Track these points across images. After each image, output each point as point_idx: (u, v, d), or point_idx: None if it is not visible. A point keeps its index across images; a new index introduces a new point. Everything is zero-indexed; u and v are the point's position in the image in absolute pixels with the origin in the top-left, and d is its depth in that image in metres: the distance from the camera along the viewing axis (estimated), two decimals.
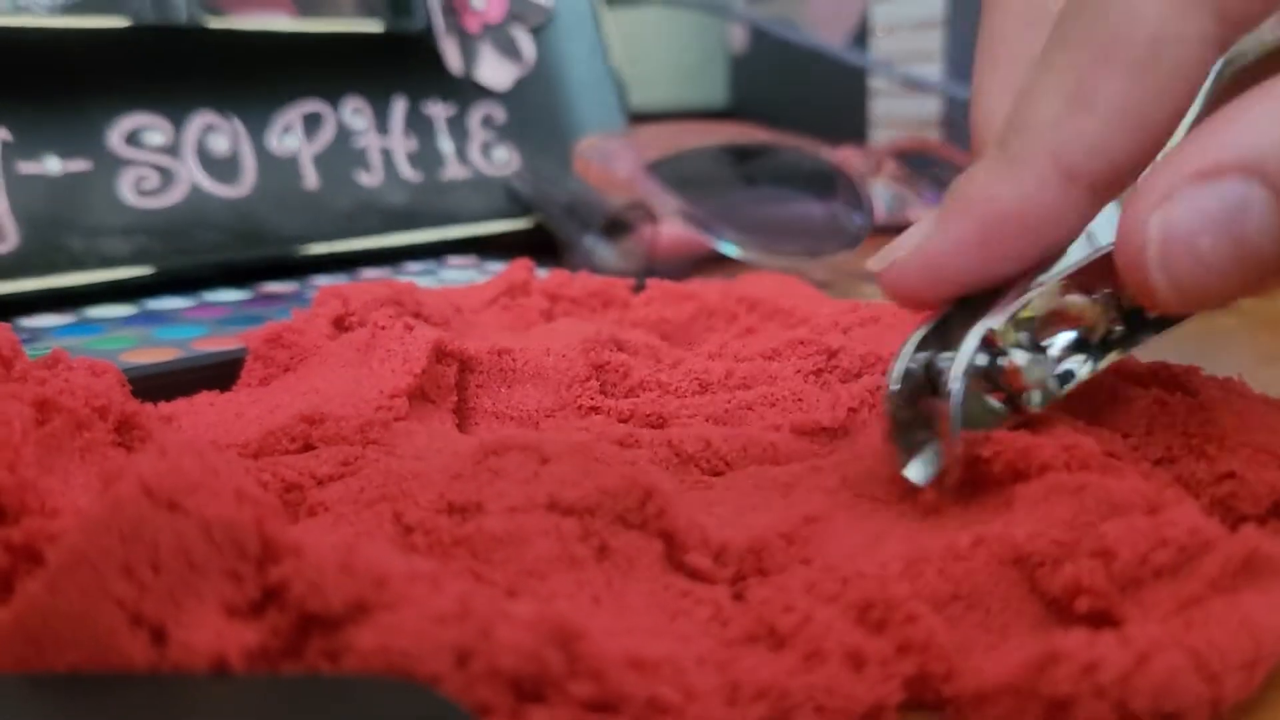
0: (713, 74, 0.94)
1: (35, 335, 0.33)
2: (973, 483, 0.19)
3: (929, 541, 0.17)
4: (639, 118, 0.57)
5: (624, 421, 0.24)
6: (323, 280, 0.42)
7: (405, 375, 0.24)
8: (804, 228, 0.49)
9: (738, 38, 0.85)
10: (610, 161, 0.47)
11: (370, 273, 0.43)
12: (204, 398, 0.26)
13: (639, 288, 0.33)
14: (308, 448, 0.22)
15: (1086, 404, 0.21)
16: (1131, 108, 0.17)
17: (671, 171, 0.47)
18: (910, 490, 0.19)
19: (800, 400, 0.24)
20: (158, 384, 0.27)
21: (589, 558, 0.16)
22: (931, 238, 0.19)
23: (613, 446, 0.21)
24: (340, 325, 0.28)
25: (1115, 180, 0.18)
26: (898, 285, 0.19)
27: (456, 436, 0.23)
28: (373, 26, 0.47)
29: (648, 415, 0.24)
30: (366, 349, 0.26)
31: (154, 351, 0.30)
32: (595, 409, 0.24)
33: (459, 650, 0.13)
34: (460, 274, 0.43)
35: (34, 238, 0.37)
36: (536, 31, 0.54)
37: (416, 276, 0.43)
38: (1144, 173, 0.17)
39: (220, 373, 0.28)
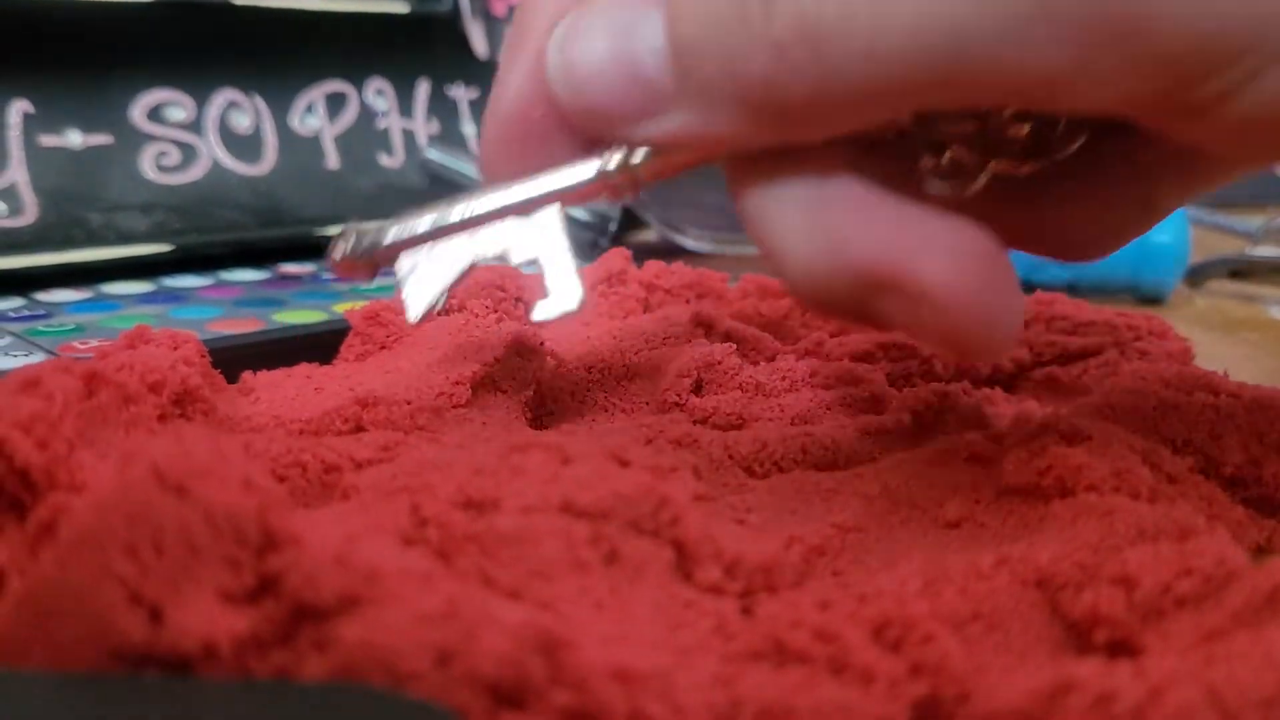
0: None
1: (51, 310, 0.33)
2: (1013, 494, 0.19)
3: (952, 558, 0.17)
4: None
5: (701, 421, 0.24)
6: None
7: (474, 363, 0.24)
8: None
9: None
10: None
11: None
12: (303, 369, 0.26)
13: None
14: (359, 429, 0.22)
15: (1137, 414, 0.21)
16: None
17: None
18: (944, 501, 0.19)
19: (876, 402, 0.24)
20: None
21: (596, 562, 0.16)
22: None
23: (667, 445, 0.21)
24: (451, 309, 0.28)
25: None
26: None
27: (514, 429, 0.23)
28: (398, 7, 0.47)
29: (728, 415, 0.24)
30: (458, 334, 0.26)
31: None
32: (678, 405, 0.24)
33: (441, 651, 0.13)
34: None
35: (53, 211, 0.37)
36: None
37: None
38: None
39: (228, 357, 0.27)
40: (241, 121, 0.43)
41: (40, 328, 0.31)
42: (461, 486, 0.17)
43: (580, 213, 0.45)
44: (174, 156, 0.41)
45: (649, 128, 0.17)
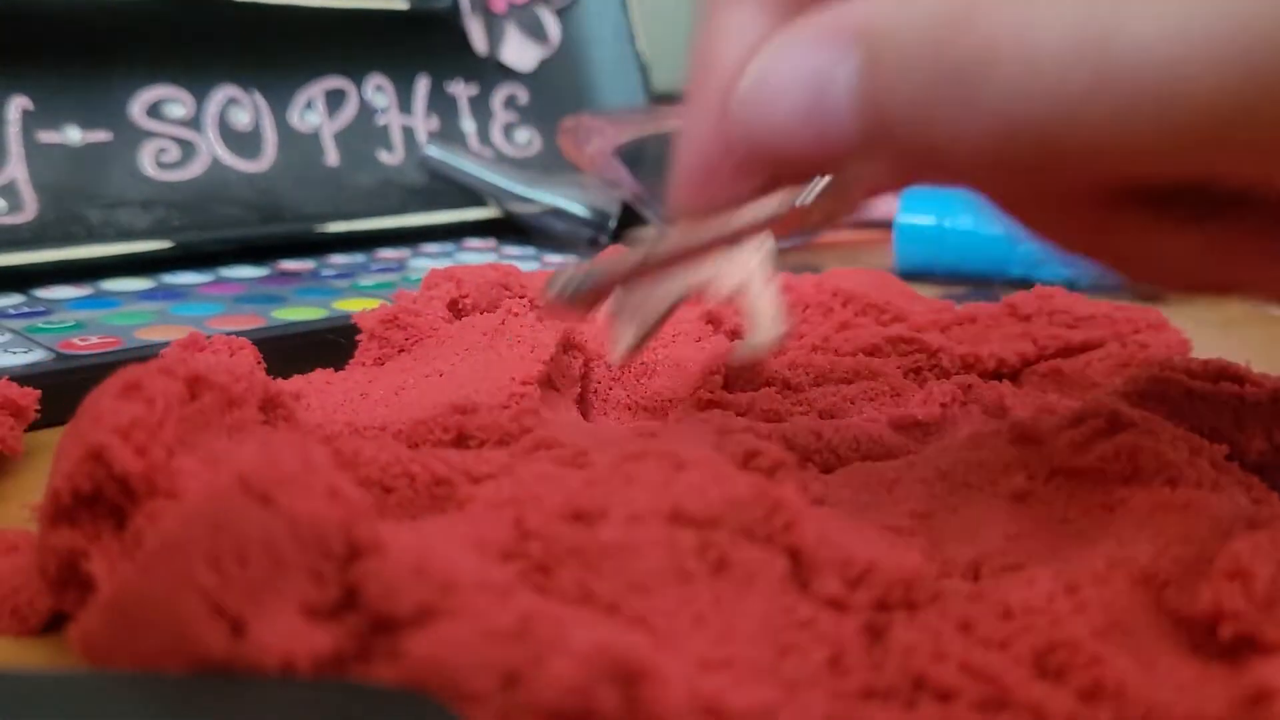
0: None
1: (51, 307, 0.33)
2: (1070, 475, 0.19)
3: (1074, 557, 0.17)
4: (662, 99, 0.57)
5: (741, 415, 0.23)
6: (340, 259, 0.41)
7: (535, 363, 0.24)
8: None
9: None
10: (586, 140, 0.46)
11: (387, 253, 0.43)
12: (320, 376, 0.26)
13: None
14: (461, 437, 0.21)
15: (1163, 402, 0.21)
16: None
17: (643, 154, 0.46)
18: (999, 479, 0.19)
19: (898, 395, 0.25)
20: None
21: (702, 572, 0.15)
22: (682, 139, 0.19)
23: (753, 448, 0.20)
24: (455, 308, 0.28)
25: None
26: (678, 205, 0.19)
27: (606, 427, 0.23)
28: (398, 3, 0.47)
29: (764, 410, 0.24)
30: (494, 334, 0.26)
31: (169, 329, 0.30)
32: (714, 403, 0.24)
33: (508, 672, 0.12)
34: (478, 256, 0.43)
35: (52, 208, 0.37)
36: (562, 12, 0.53)
37: (434, 259, 0.42)
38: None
39: None
40: (241, 118, 0.43)
41: (40, 324, 0.30)
42: (570, 498, 0.16)
43: (579, 208, 0.45)
44: (173, 153, 0.41)
45: (844, 172, 0.17)
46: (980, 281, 0.44)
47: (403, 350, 0.27)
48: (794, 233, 0.19)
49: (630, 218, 0.48)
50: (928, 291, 0.43)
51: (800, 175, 0.17)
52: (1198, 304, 0.43)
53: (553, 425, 0.22)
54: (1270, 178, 0.15)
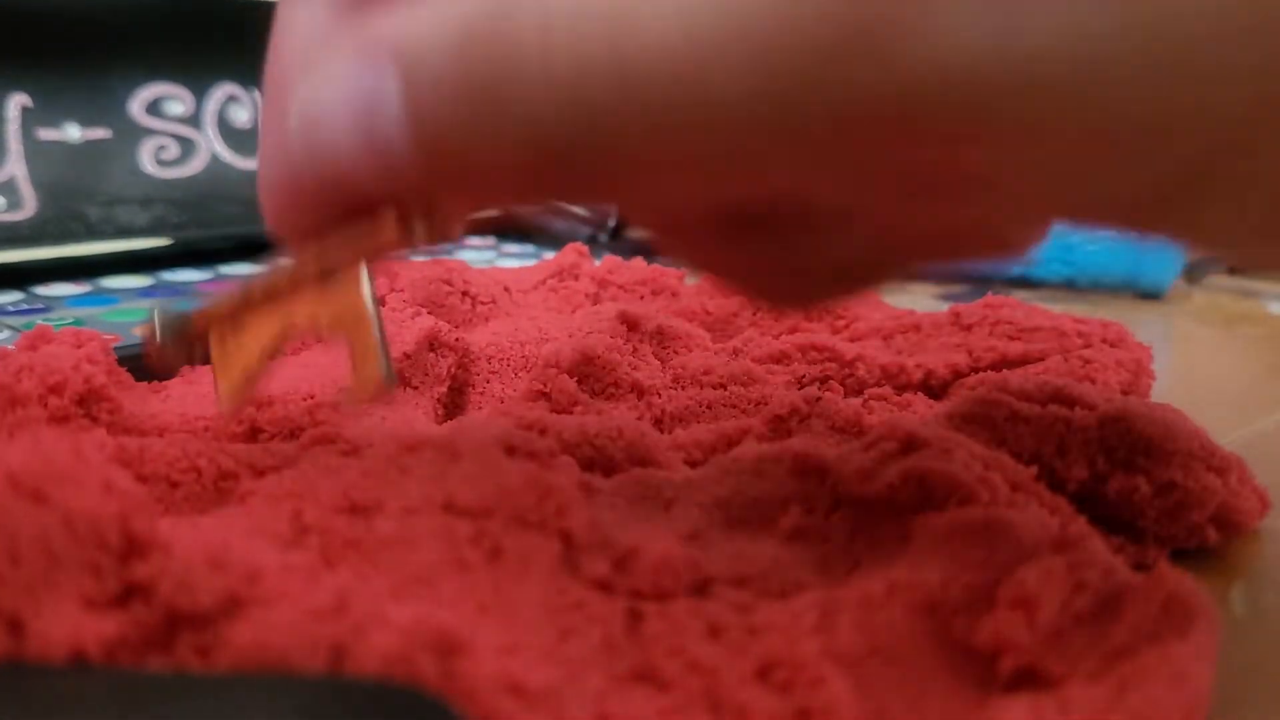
0: None
1: (50, 304, 0.33)
2: (856, 505, 0.18)
3: (835, 584, 0.16)
4: None
5: (561, 412, 0.23)
6: None
7: None
8: None
9: None
10: None
11: None
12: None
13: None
14: (255, 430, 0.21)
15: (985, 426, 0.20)
16: None
17: None
18: (776, 515, 0.18)
19: (762, 404, 0.24)
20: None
21: (479, 561, 0.15)
22: None
23: (513, 444, 0.20)
24: (381, 303, 0.28)
25: None
26: None
27: (420, 424, 0.23)
28: None
29: (583, 408, 0.23)
30: None
31: None
32: (544, 393, 0.24)
33: (334, 646, 0.12)
34: (478, 254, 0.43)
35: (51, 205, 0.37)
36: None
37: (432, 256, 0.42)
38: None
39: None
40: (240, 115, 0.43)
41: (39, 322, 0.30)
42: (346, 490, 0.16)
43: (578, 206, 0.45)
44: (173, 150, 0.41)
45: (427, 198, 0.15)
46: (978, 280, 0.44)
47: (321, 340, 0.27)
48: (394, 258, 0.17)
49: None
50: (925, 289, 0.43)
51: (385, 200, 0.15)
52: (1199, 302, 0.43)
53: (349, 420, 0.21)
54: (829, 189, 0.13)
